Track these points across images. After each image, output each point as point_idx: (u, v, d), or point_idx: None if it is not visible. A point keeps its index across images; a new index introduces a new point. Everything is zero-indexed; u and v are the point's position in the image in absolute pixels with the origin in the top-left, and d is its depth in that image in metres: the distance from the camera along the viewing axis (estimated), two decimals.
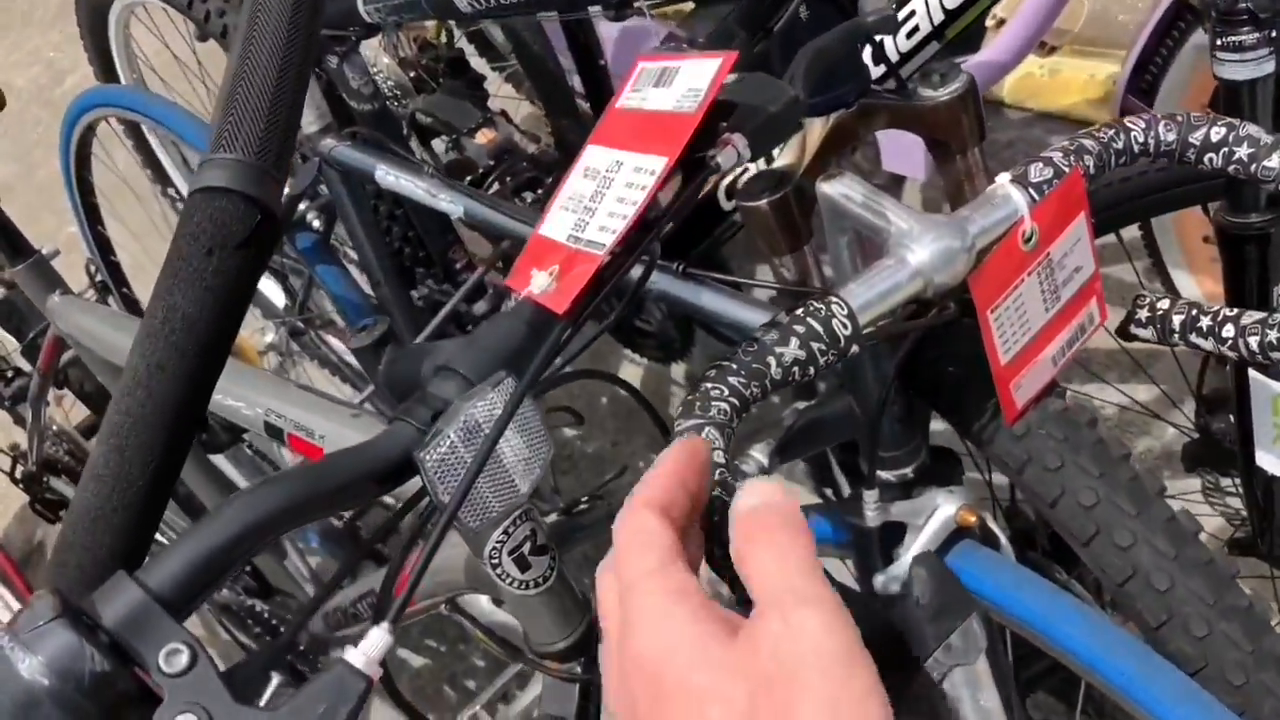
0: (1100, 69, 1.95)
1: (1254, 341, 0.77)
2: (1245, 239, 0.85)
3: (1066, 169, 0.68)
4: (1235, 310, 0.80)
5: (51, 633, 0.38)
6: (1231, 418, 0.98)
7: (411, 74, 1.82)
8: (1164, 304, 0.83)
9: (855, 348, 0.62)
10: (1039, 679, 1.09)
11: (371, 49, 1.94)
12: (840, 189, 0.70)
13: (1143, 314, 0.84)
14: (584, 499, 0.96)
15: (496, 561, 0.65)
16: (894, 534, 0.79)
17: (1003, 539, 0.80)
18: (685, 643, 0.34)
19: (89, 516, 0.45)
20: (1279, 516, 0.98)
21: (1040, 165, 0.68)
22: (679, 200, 0.52)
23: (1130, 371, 1.46)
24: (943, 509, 0.76)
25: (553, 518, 0.95)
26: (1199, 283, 1.40)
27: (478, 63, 2.05)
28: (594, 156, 0.57)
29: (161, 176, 2.10)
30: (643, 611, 0.35)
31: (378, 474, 0.47)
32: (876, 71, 1.16)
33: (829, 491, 1.07)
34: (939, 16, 1.01)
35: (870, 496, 0.75)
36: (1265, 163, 0.67)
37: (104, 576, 0.42)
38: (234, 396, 0.79)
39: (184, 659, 0.40)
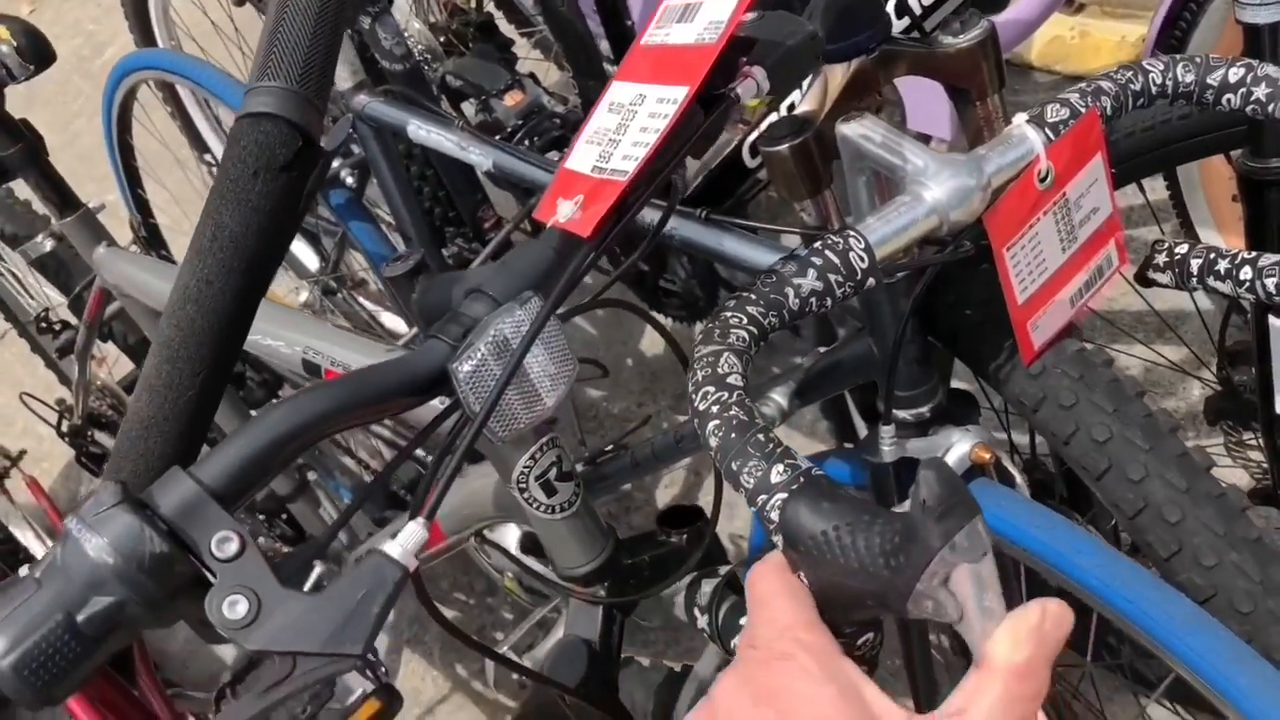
0: (1131, 31, 1.93)
1: (1271, 283, 0.78)
2: (1266, 184, 0.85)
3: (1083, 109, 0.70)
4: (1254, 253, 0.81)
5: (115, 517, 0.41)
6: (1253, 369, 0.99)
7: (442, 38, 1.85)
8: (1182, 248, 0.84)
9: (871, 281, 0.64)
10: None
11: (402, 14, 1.97)
12: (860, 129, 0.72)
13: (1161, 259, 0.85)
14: (608, 447, 0.99)
15: (524, 486, 0.68)
16: (911, 471, 0.81)
17: (1018, 477, 0.82)
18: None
19: (144, 423, 0.49)
20: None
21: (1057, 106, 0.70)
22: (701, 128, 0.54)
23: (1156, 331, 1.46)
24: (958, 446, 0.78)
25: (579, 468, 0.98)
26: (1227, 242, 1.40)
27: (506, 28, 2.07)
28: (618, 92, 0.59)
29: (199, 143, 2.15)
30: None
31: (414, 384, 0.50)
32: (900, 24, 1.17)
33: (849, 446, 1.09)
34: None
35: (887, 432, 0.77)
36: None
37: (160, 473, 0.45)
38: (273, 336, 0.83)
39: (234, 546, 0.43)
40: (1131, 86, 0.72)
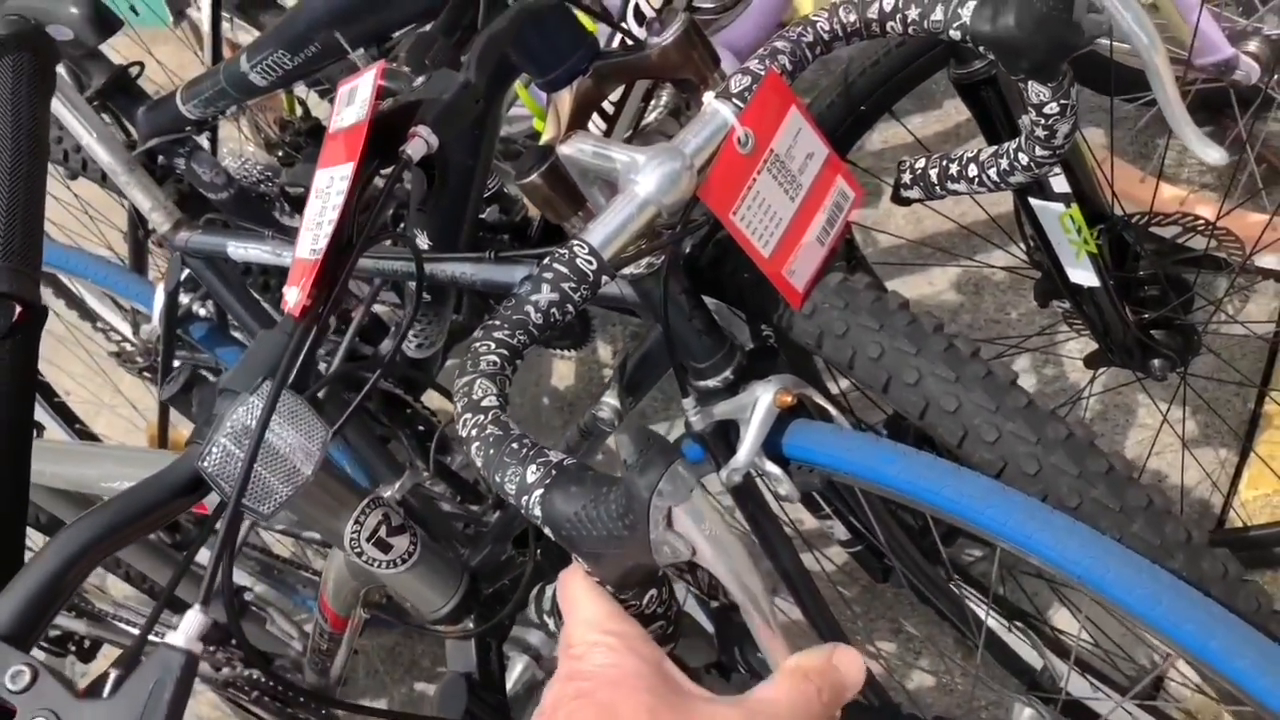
0: None
1: (993, 173, 0.85)
2: (975, 85, 0.92)
3: (763, 72, 0.76)
4: (975, 150, 0.88)
5: None
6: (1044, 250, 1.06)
7: (280, 153, 1.91)
8: (920, 163, 0.91)
9: (606, 279, 0.69)
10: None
11: (235, 141, 2.04)
12: (573, 147, 0.78)
13: (906, 177, 0.92)
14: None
15: (359, 549, 0.73)
16: (734, 431, 0.86)
17: (833, 411, 0.87)
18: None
19: None
20: (1110, 323, 1.06)
21: (739, 76, 0.76)
22: (383, 193, 0.60)
23: (980, 241, 1.53)
24: (762, 398, 0.83)
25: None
26: None
27: None
28: (319, 179, 0.65)
29: (87, 314, 2.19)
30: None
31: (178, 489, 0.55)
32: (640, 32, 1.24)
33: None
34: None
35: (689, 404, 0.83)
36: (932, 17, 0.75)
37: None
38: (70, 482, 0.87)
39: (26, 677, 0.48)
40: (805, 39, 0.78)
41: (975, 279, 1.74)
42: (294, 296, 0.61)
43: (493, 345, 0.64)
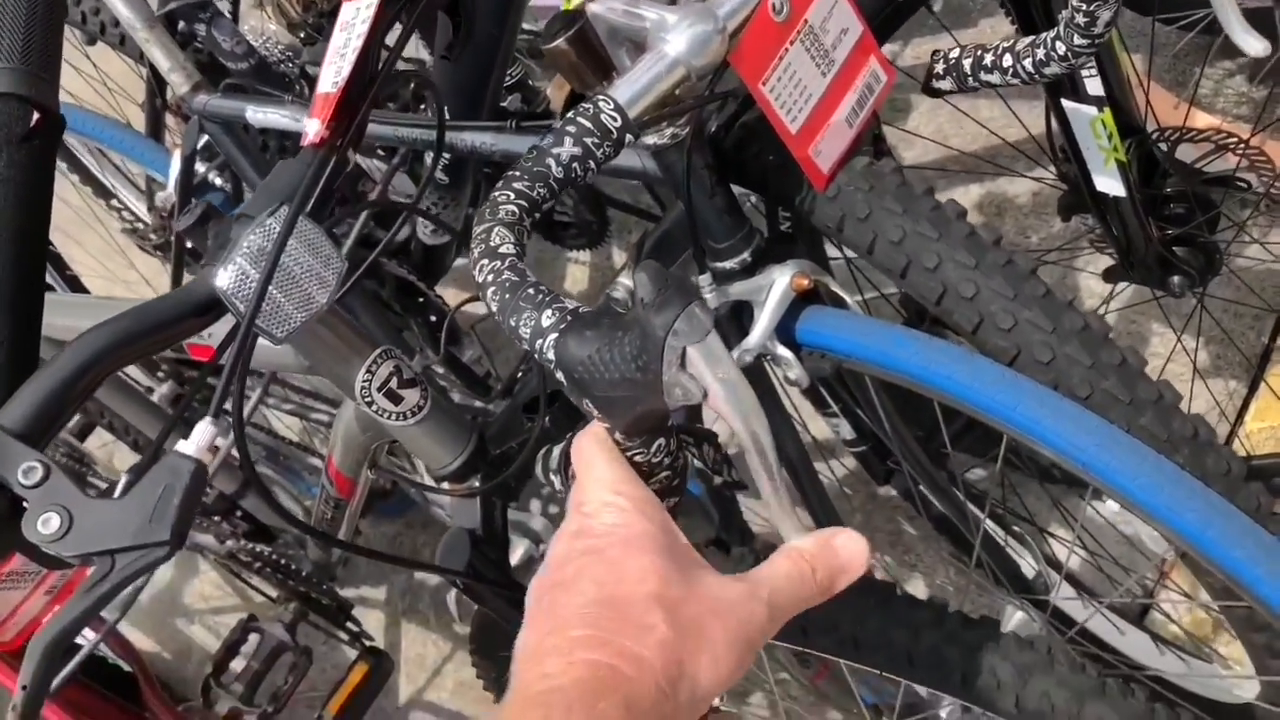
0: None
1: (1028, 64, 0.83)
2: None
3: None
4: (1011, 40, 0.85)
5: None
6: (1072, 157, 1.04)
7: (301, 33, 1.88)
8: (955, 53, 0.89)
9: (630, 137, 0.68)
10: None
11: (258, 19, 2.00)
12: (602, 5, 0.76)
13: (939, 67, 0.90)
14: (520, 372, 1.03)
15: (370, 399, 0.73)
16: (747, 313, 0.86)
17: (848, 299, 0.87)
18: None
19: None
20: (1133, 237, 1.04)
21: None
22: (408, 27, 0.59)
23: (1011, 157, 1.51)
24: (779, 281, 0.83)
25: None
26: None
27: None
28: (345, 12, 0.64)
29: (103, 192, 2.18)
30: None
31: (191, 308, 0.55)
32: None
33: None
34: None
35: (704, 280, 0.83)
36: None
37: None
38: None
39: (38, 473, 0.48)
40: None
41: (998, 200, 1.72)
42: (314, 127, 0.60)
43: (512, 195, 0.63)
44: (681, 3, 0.72)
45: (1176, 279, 1.08)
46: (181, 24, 1.34)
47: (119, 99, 1.91)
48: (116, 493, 0.50)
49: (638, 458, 0.56)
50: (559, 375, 0.53)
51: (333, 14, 1.85)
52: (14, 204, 0.53)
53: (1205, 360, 1.39)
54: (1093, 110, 0.96)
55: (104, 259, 2.07)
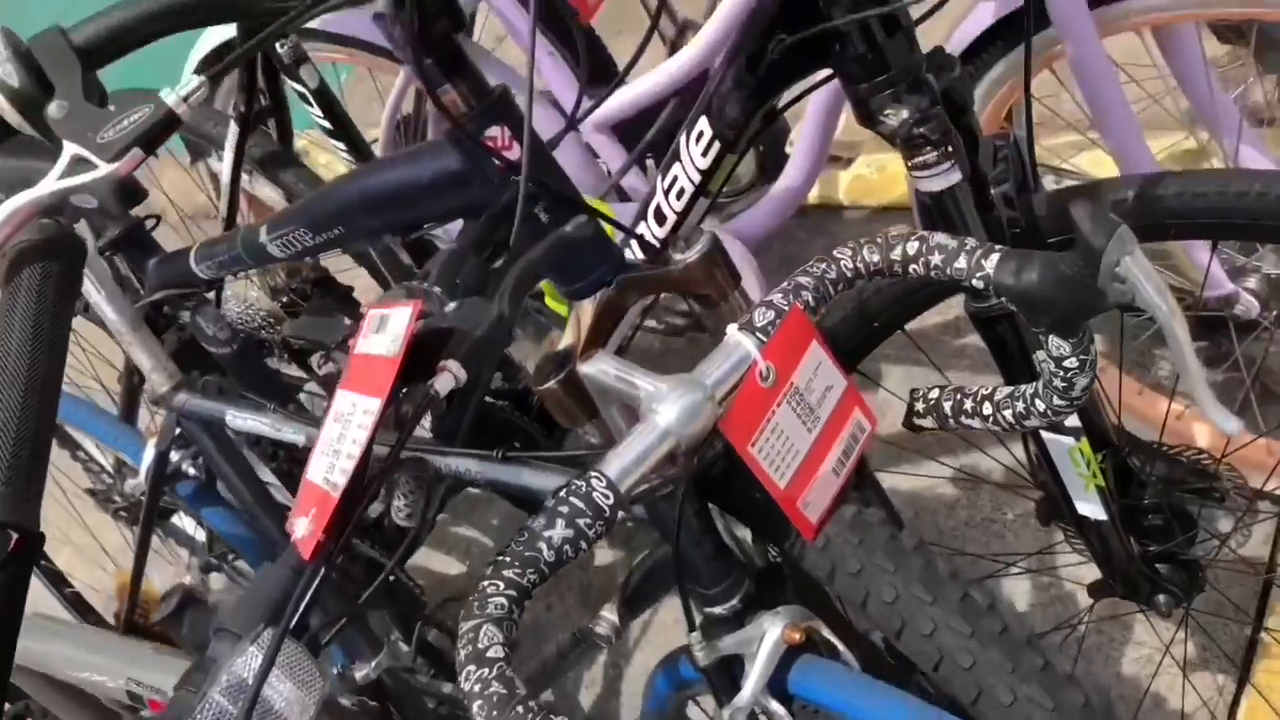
0: None
1: (1008, 414, 0.84)
2: (991, 320, 0.93)
3: (786, 308, 0.76)
4: (990, 388, 0.88)
5: None
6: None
7: (284, 299, 1.91)
8: (934, 393, 0.91)
9: (622, 513, 0.68)
10: None
11: (241, 285, 2.04)
12: (595, 367, 0.77)
13: (919, 405, 0.92)
14: None
15: None
16: (738, 665, 0.83)
17: (841, 647, 0.85)
18: None
19: None
20: (1115, 555, 1.04)
21: (763, 310, 0.77)
22: (405, 432, 0.59)
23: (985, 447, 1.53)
24: (770, 633, 0.81)
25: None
26: None
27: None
28: (341, 401, 0.64)
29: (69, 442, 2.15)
30: None
31: None
32: (661, 231, 1.26)
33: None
34: (695, 177, 1.12)
35: (695, 639, 0.80)
36: (955, 264, 0.75)
37: None
38: (97, 670, 0.83)
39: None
40: (828, 276, 0.79)
41: (982, 515, 1.73)
42: (303, 528, 0.59)
43: (501, 585, 0.62)
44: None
45: (1162, 598, 1.07)
46: (166, 308, 1.36)
47: (90, 359, 1.91)
48: None
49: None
50: None
51: (316, 284, 1.90)
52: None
53: (1192, 654, 1.37)
54: (1071, 441, 0.98)
55: (52, 512, 2.00)
